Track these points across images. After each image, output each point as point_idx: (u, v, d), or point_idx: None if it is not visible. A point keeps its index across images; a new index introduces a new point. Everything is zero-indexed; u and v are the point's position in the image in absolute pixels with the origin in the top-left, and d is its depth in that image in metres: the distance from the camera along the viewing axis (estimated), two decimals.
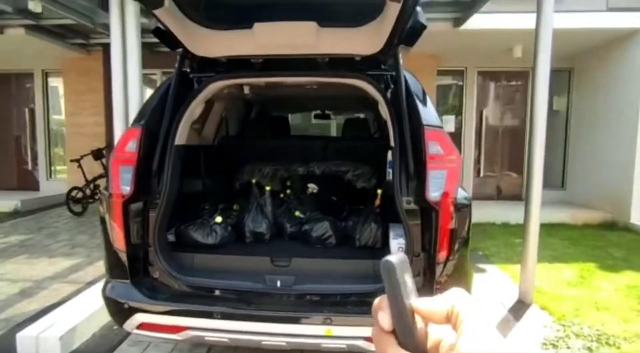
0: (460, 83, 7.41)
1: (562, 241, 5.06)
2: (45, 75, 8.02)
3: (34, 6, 4.69)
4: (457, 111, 7.50)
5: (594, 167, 6.61)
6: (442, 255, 1.76)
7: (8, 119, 8.13)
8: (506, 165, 7.52)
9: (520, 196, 6.91)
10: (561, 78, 7.13)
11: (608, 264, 4.20)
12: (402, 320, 0.35)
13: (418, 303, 0.35)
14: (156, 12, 1.73)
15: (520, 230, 3.28)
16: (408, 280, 0.36)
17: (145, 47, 3.71)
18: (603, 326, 2.84)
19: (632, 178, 5.72)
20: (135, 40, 3.56)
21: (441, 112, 7.47)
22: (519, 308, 3.16)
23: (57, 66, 7.62)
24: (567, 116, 7.28)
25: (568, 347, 2.57)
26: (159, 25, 1.89)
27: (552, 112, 6.74)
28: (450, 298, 0.35)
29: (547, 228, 5.40)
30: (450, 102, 7.67)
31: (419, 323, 0.35)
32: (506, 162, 7.52)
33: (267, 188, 2.46)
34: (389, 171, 2.17)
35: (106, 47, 4.35)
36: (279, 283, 1.86)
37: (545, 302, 3.22)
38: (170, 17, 1.80)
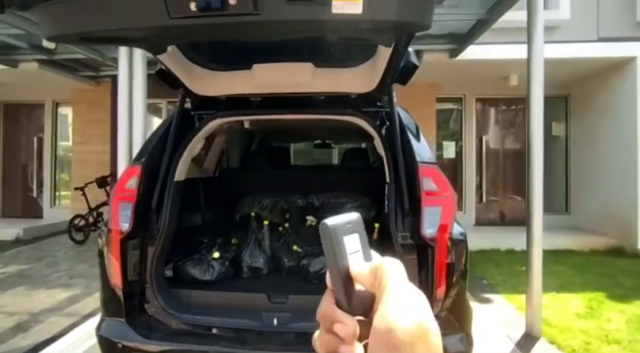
0: (459, 109, 7.51)
1: (569, 269, 4.96)
2: (56, 105, 8.25)
3: (49, 43, 4.89)
4: (457, 137, 7.56)
5: (597, 192, 6.57)
6: (439, 292, 1.73)
7: (17, 148, 8.30)
8: (509, 189, 7.50)
9: (525, 220, 6.85)
10: (558, 104, 7.22)
11: (617, 293, 4.10)
12: (335, 280, 0.35)
13: (352, 264, 0.36)
14: (159, 56, 1.80)
15: (526, 256, 3.23)
16: (348, 242, 0.36)
17: (152, 77, 3.84)
18: None
19: (637, 203, 5.67)
20: (141, 74, 3.69)
21: (441, 138, 7.54)
22: (527, 342, 3.07)
23: (67, 97, 7.84)
24: (567, 141, 7.32)
25: None
26: (162, 67, 1.96)
27: (551, 138, 6.82)
28: (377, 261, 0.36)
29: (553, 255, 5.31)
30: (450, 129, 7.74)
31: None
32: (509, 186, 7.50)
33: (266, 222, 2.46)
34: (387, 203, 2.18)
35: (114, 79, 4.50)
36: (275, 321, 1.83)
37: (553, 335, 3.13)
38: (172, 60, 1.87)
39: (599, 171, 6.53)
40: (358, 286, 0.36)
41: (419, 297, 0.34)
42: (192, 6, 1.24)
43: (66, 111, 8.30)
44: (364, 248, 0.37)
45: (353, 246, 0.36)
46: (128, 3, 1.30)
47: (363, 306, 0.35)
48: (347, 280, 0.36)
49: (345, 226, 0.36)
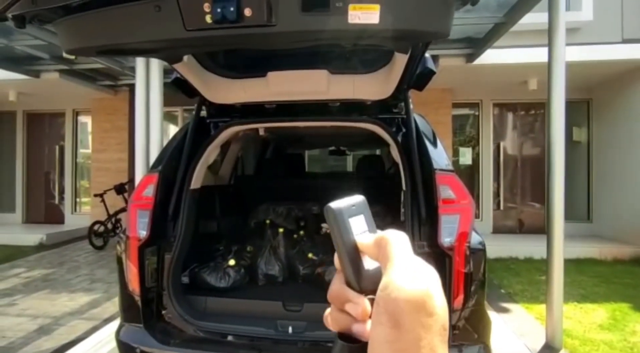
0: (476, 114, 7.41)
1: (591, 279, 4.80)
2: (76, 114, 8.49)
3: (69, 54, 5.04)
4: (474, 142, 7.45)
5: (621, 199, 6.36)
6: (457, 301, 1.70)
7: (39, 156, 8.57)
8: (528, 196, 7.33)
9: (543, 228, 6.67)
10: (580, 109, 7.04)
11: None
12: (344, 260, 0.35)
13: (359, 238, 0.36)
14: (175, 65, 1.83)
15: (545, 265, 3.14)
16: (354, 223, 0.36)
17: (168, 86, 3.93)
18: None
19: None
20: (157, 82, 3.77)
21: (457, 144, 7.44)
22: None
23: (86, 106, 8.07)
24: (589, 146, 7.12)
25: None
26: (178, 75, 2.00)
27: (572, 144, 6.65)
28: (381, 232, 0.36)
29: (574, 264, 5.16)
30: (466, 134, 7.64)
31: (374, 264, 0.35)
32: (528, 193, 7.33)
33: (281, 230, 2.47)
34: (403, 211, 2.16)
35: (132, 88, 4.62)
36: (290, 330, 1.83)
37: (575, 347, 3.03)
38: (188, 69, 1.90)
39: (622, 177, 6.33)
40: (367, 266, 0.36)
41: (425, 267, 0.34)
42: (208, 18, 1.27)
43: (86, 120, 8.54)
44: (370, 228, 0.37)
45: (359, 227, 0.36)
46: (145, 16, 1.32)
47: (373, 285, 0.35)
48: (356, 258, 0.35)
49: (350, 208, 0.36)
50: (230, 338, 1.86)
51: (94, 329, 3.32)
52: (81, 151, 8.61)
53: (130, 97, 6.58)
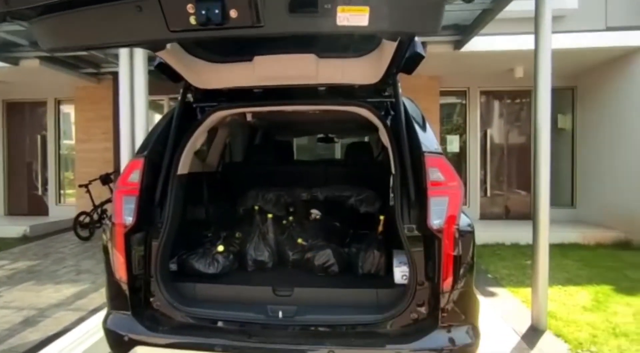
0: (463, 102, 7.45)
1: (575, 263, 4.93)
2: (58, 103, 8.26)
3: None
4: (462, 130, 7.51)
5: (603, 184, 6.51)
6: (447, 284, 1.72)
7: (20, 146, 8.34)
8: (514, 184, 7.45)
9: (529, 214, 6.80)
10: (565, 96, 7.14)
11: (624, 286, 4.06)
12: None
13: None
14: (158, 53, 1.78)
15: (531, 250, 3.20)
16: None
17: (153, 73, 3.84)
18: None
19: None
20: (142, 70, 3.68)
21: (445, 132, 7.49)
22: (533, 335, 3.05)
23: (69, 94, 7.86)
24: (573, 133, 7.24)
25: None
26: (162, 60, 1.95)
27: (557, 131, 6.75)
28: None
29: (559, 249, 5.28)
30: (454, 122, 7.69)
31: None
32: (514, 180, 7.45)
33: (270, 216, 2.45)
34: (392, 195, 2.16)
35: (116, 76, 4.51)
36: (280, 314, 1.83)
37: (559, 328, 3.11)
38: (172, 55, 1.85)
39: (605, 164, 6.47)
40: None
41: None
42: (192, 20, 1.23)
43: (69, 109, 8.32)
44: None
45: None
46: (126, 17, 1.28)
47: None
48: None
49: None
50: (219, 324, 1.86)
51: (81, 320, 3.28)
52: (65, 142, 8.41)
53: (114, 86, 6.41)
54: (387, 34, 1.27)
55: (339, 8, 1.17)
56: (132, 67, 3.76)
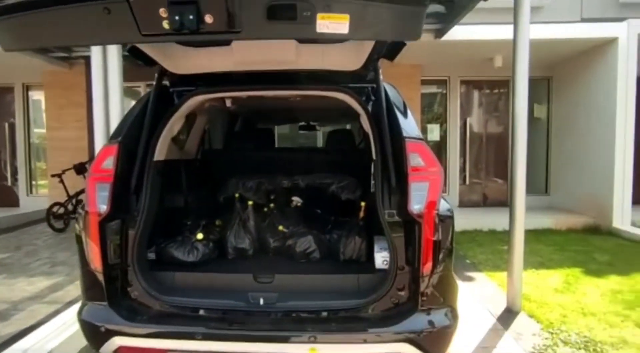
0: (444, 92, 7.53)
1: (548, 247, 5.11)
2: (26, 89, 7.89)
3: None
4: (442, 119, 7.60)
5: (575, 173, 6.75)
6: (426, 268, 1.74)
7: None
8: (491, 172, 7.63)
9: (506, 202, 7.00)
10: (541, 86, 7.31)
11: (593, 269, 4.25)
12: None
13: None
14: None
15: (507, 236, 3.29)
16: None
17: (128, 59, 3.69)
18: (590, 332, 2.85)
19: (613, 183, 5.85)
20: (116, 54, 3.52)
21: (426, 120, 7.56)
22: (507, 316, 3.16)
23: (38, 80, 7.50)
24: (548, 123, 7.45)
25: None
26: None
27: (533, 120, 6.92)
28: None
29: (533, 234, 5.46)
30: (434, 111, 7.77)
31: None
32: (491, 169, 7.62)
33: (250, 203, 2.42)
34: (373, 182, 2.17)
35: (89, 61, 4.32)
36: (262, 301, 1.82)
37: (533, 309, 3.23)
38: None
39: (578, 153, 6.69)
40: None
41: None
42: (165, 24, 1.19)
43: (39, 95, 7.96)
44: None
45: None
46: (95, 18, 1.21)
47: None
48: None
49: None
50: (200, 312, 1.83)
51: (57, 313, 3.18)
52: (36, 130, 8.05)
53: (87, 71, 6.13)
54: (368, 40, 1.27)
55: (319, 15, 1.15)
56: (105, 51, 3.60)
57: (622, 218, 5.84)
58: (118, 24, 1.22)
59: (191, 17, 1.16)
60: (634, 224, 5.85)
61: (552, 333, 2.85)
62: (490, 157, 7.62)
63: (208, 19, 1.17)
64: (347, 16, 1.16)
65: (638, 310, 3.22)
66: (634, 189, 5.92)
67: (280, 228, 2.35)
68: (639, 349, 2.63)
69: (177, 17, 1.16)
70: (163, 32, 1.20)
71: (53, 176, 6.48)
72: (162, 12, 1.17)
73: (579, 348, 2.65)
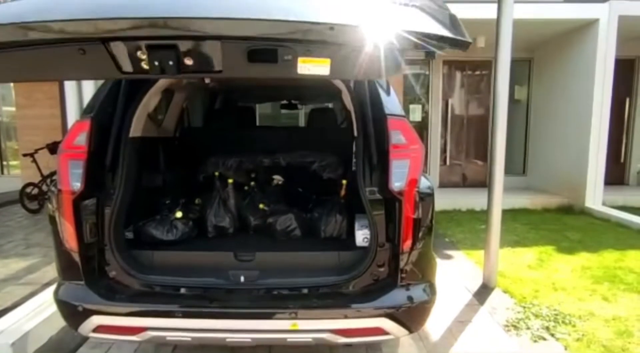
0: (426, 73, 7.51)
1: (523, 226, 5.28)
2: None
3: None
4: (424, 100, 7.61)
5: (552, 154, 6.92)
6: (406, 245, 1.77)
7: None
8: (472, 153, 7.74)
9: (485, 182, 7.14)
10: (522, 68, 7.37)
11: (565, 246, 4.42)
12: None
13: None
14: None
15: (485, 215, 3.37)
16: None
17: None
18: (560, 306, 2.99)
19: (587, 165, 6.04)
20: None
21: (408, 101, 7.56)
22: (483, 292, 3.27)
23: None
24: (528, 105, 7.56)
25: (528, 328, 2.69)
26: None
27: (513, 102, 7.01)
28: None
29: (510, 214, 5.62)
30: (417, 92, 7.77)
31: None
32: (472, 150, 7.73)
33: (230, 181, 2.39)
34: (354, 160, 2.16)
35: None
36: (242, 279, 1.82)
37: (507, 285, 3.35)
38: None
39: (555, 134, 6.85)
40: None
41: None
42: (144, 65, 1.18)
43: None
44: None
45: None
46: (73, 58, 1.20)
47: None
48: None
49: None
50: (179, 290, 1.82)
51: (33, 294, 3.12)
52: (5, 108, 7.68)
53: None
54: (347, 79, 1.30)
55: (300, 59, 1.18)
56: None
57: (594, 198, 6.06)
58: (97, 63, 1.22)
59: (170, 62, 1.15)
60: (604, 204, 6.08)
61: (524, 308, 2.97)
62: (470, 138, 7.71)
63: (188, 61, 1.17)
64: (327, 60, 1.19)
65: (605, 284, 3.39)
66: (606, 170, 6.12)
67: (261, 206, 2.34)
68: (605, 320, 2.77)
69: (156, 63, 1.16)
70: (143, 71, 1.20)
71: (25, 155, 6.23)
72: (141, 54, 1.16)
73: (549, 321, 2.77)
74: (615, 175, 7.21)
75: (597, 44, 5.82)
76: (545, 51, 7.07)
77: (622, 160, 7.49)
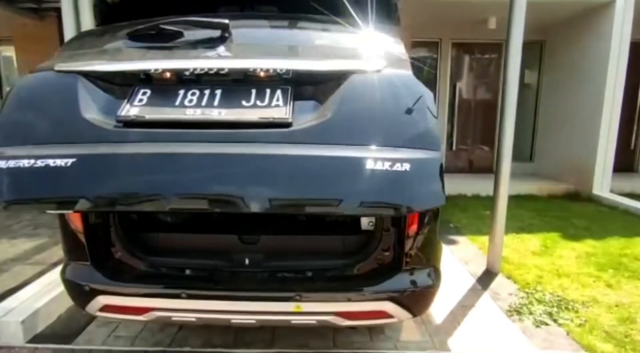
0: (435, 56, 7.36)
1: (529, 212, 5.26)
2: None
3: None
4: (432, 84, 7.48)
5: (560, 139, 6.82)
6: (412, 229, 1.75)
7: None
8: (478, 139, 7.65)
9: (491, 168, 7.09)
10: (533, 51, 7.19)
11: (570, 233, 4.40)
12: None
13: None
14: None
15: (490, 201, 3.35)
16: None
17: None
18: (563, 292, 2.99)
19: (596, 151, 5.95)
20: (87, 5, 3.28)
21: None
22: (487, 277, 3.28)
23: (7, 33, 7.03)
24: (538, 89, 7.40)
25: (531, 313, 2.70)
26: None
27: (522, 86, 6.86)
28: None
29: (515, 200, 5.59)
30: (424, 76, 7.63)
31: None
32: (478, 135, 7.64)
33: None
34: None
35: (60, 13, 4.02)
36: (247, 261, 1.82)
37: (511, 271, 3.36)
38: None
39: (563, 120, 6.73)
40: None
41: None
42: None
43: (9, 51, 7.48)
44: None
45: None
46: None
47: None
48: None
49: None
50: (185, 272, 1.83)
51: (41, 274, 3.17)
52: (8, 89, 7.64)
53: (58, 23, 5.76)
54: None
55: None
56: (76, 2, 3.36)
57: (601, 185, 6.00)
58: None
59: None
60: (612, 191, 6.02)
61: (527, 293, 2.98)
62: (477, 124, 7.61)
63: None
64: None
65: (609, 271, 3.38)
66: (615, 157, 6.03)
67: None
68: (608, 307, 2.78)
69: None
70: None
71: None
72: None
73: (552, 306, 2.78)
74: (625, 162, 7.12)
75: (612, 27, 5.64)
76: (558, 34, 6.87)
77: (632, 147, 7.38)
